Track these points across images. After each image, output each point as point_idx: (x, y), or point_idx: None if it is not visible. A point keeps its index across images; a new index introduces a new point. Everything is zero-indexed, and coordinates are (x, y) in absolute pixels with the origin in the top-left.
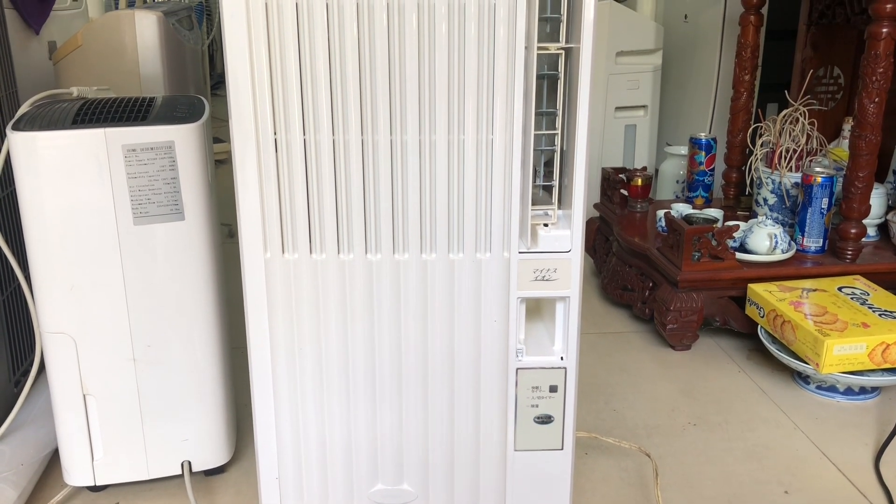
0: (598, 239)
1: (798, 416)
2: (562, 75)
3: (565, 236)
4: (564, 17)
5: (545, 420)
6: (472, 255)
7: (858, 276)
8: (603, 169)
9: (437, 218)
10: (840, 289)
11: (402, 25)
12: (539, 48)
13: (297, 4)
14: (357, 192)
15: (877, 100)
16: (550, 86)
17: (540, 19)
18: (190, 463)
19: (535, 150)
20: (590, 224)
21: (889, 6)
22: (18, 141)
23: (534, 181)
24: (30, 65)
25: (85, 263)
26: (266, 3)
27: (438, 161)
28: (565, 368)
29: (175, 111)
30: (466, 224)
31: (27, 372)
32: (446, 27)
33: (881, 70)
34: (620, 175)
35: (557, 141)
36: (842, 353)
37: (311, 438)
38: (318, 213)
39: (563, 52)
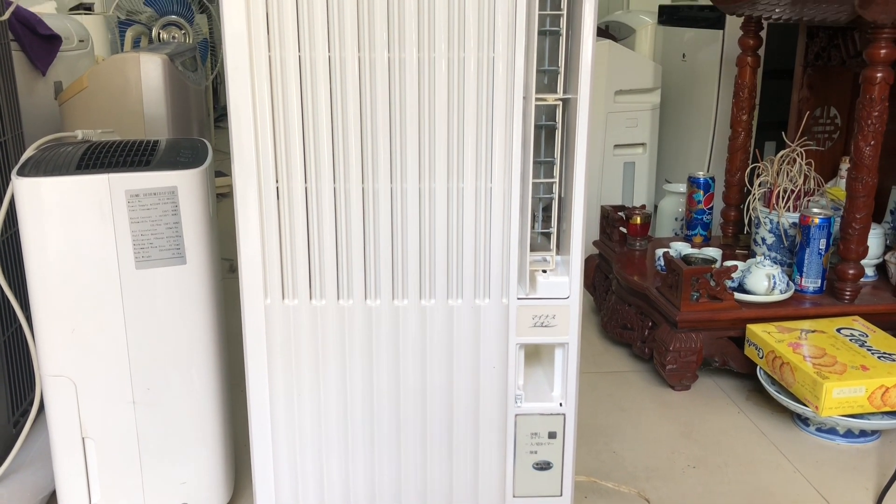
0: (598, 276)
1: (798, 458)
2: (559, 125)
3: (564, 283)
4: (562, 69)
5: (544, 466)
6: (471, 301)
7: (857, 317)
8: (602, 207)
9: (436, 264)
10: (839, 330)
11: (403, 78)
12: (537, 99)
13: (299, 58)
14: (357, 238)
15: (872, 143)
16: (548, 135)
17: (538, 71)
18: None
19: (533, 197)
20: (589, 261)
21: (883, 51)
22: (23, 186)
23: (532, 227)
24: (36, 105)
25: (86, 307)
26: (269, 56)
27: (438, 208)
28: (564, 415)
29: (178, 156)
30: (465, 270)
31: (26, 412)
32: (446, 80)
33: (876, 114)
34: (619, 213)
35: (555, 188)
36: (841, 396)
37: (310, 483)
38: (318, 260)
39: (560, 102)
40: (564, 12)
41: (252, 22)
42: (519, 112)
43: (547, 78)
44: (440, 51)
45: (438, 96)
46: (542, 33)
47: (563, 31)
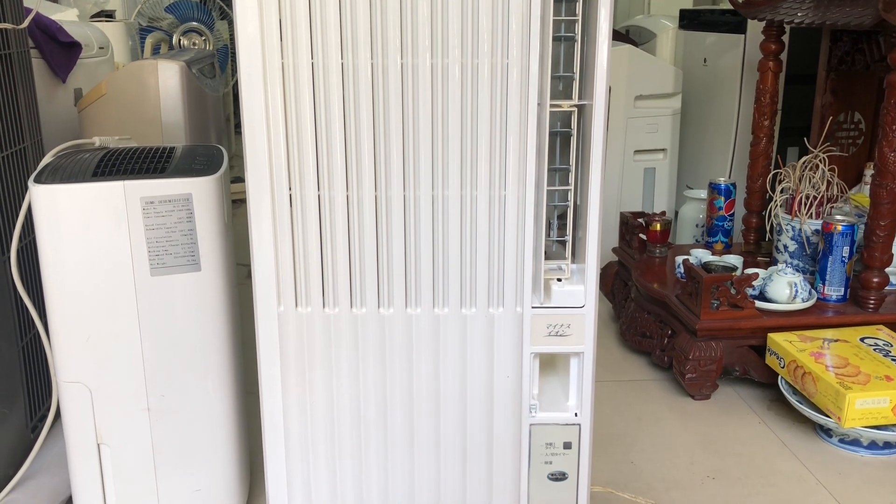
0: (617, 283)
1: (820, 470)
2: (574, 132)
3: (579, 291)
4: (577, 76)
5: (559, 477)
6: (485, 310)
7: (882, 327)
8: (621, 213)
9: (449, 273)
10: (862, 339)
11: (416, 84)
12: (552, 105)
13: (312, 64)
14: (370, 247)
15: None
16: (563, 142)
17: (553, 77)
18: None
19: (548, 205)
20: (608, 268)
21: None
22: (40, 193)
23: (547, 235)
24: (56, 112)
25: (102, 314)
26: (283, 64)
27: (451, 216)
28: (579, 425)
29: (194, 163)
30: (479, 279)
31: (44, 418)
32: (459, 86)
33: None
34: (639, 220)
35: (570, 196)
36: (864, 408)
37: (322, 491)
38: (331, 268)
39: (575, 109)
40: (579, 18)
41: (265, 29)
42: (533, 119)
43: (562, 84)
44: (453, 57)
45: (452, 103)
46: (556, 39)
47: (578, 37)
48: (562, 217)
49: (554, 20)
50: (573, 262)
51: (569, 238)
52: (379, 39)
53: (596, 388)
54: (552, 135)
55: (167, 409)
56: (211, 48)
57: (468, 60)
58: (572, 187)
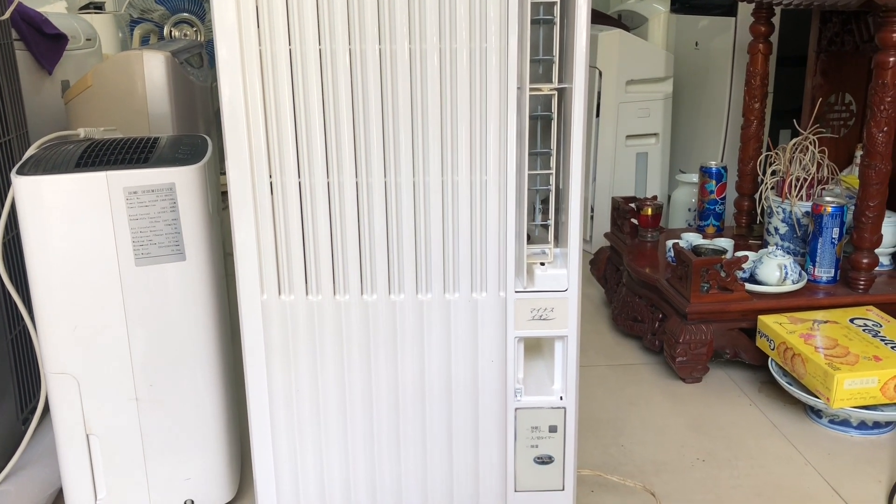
0: (609, 268)
1: (810, 451)
2: (555, 115)
3: (562, 275)
4: (557, 59)
5: (545, 461)
6: (468, 295)
7: (871, 307)
8: (613, 198)
9: (431, 258)
10: (852, 320)
11: (395, 70)
12: (532, 89)
13: (290, 51)
14: (352, 233)
15: (885, 129)
16: (544, 126)
17: (532, 61)
18: (193, 501)
19: (530, 189)
20: (600, 253)
21: None
22: (23, 185)
23: (531, 219)
24: (43, 104)
25: (88, 305)
26: (260, 51)
27: (432, 202)
28: (564, 408)
29: (177, 152)
30: (461, 264)
31: (35, 409)
32: (438, 71)
33: (889, 99)
34: (631, 204)
35: (552, 180)
36: (853, 388)
37: (310, 479)
38: (313, 255)
39: (555, 92)
40: (558, 1)
41: (242, 16)
42: (513, 103)
43: (542, 67)
44: (431, 42)
45: (431, 88)
46: (535, 22)
47: (557, 20)
48: (544, 202)
49: (532, 3)
50: (556, 246)
51: (551, 222)
52: (357, 26)
53: (587, 372)
54: (532, 119)
55: (155, 399)
56: (202, 39)
57: (446, 45)
58: (554, 171)
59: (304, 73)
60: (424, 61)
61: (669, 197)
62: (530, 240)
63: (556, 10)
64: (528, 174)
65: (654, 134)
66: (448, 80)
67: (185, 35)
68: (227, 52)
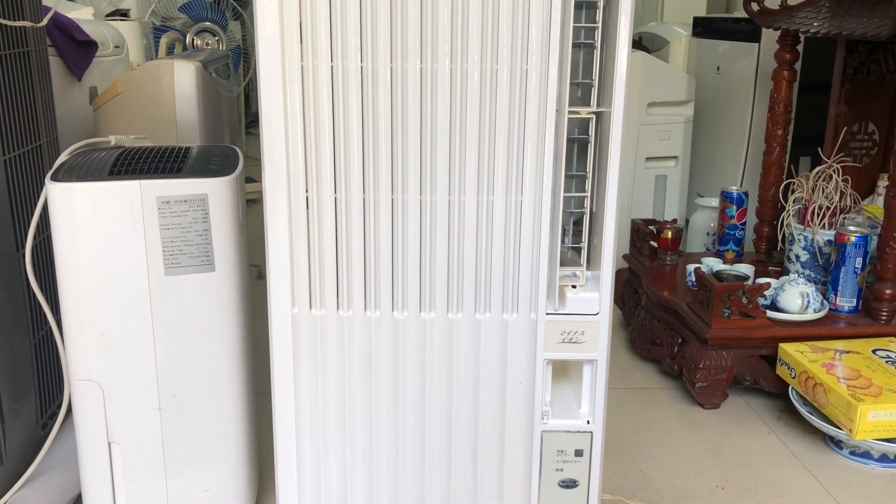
0: (627, 291)
1: (830, 482)
2: (592, 139)
3: (594, 298)
4: (596, 83)
5: (570, 484)
6: (499, 316)
7: (893, 339)
8: (633, 220)
9: (464, 277)
10: (874, 351)
11: (435, 89)
12: (570, 112)
13: (332, 68)
14: (385, 249)
15: None
16: (581, 148)
17: (571, 84)
18: None
19: (564, 211)
20: (619, 276)
21: None
22: (56, 191)
23: (563, 241)
24: (71, 110)
25: (115, 312)
26: (302, 66)
27: (467, 221)
28: (591, 433)
29: (209, 163)
30: (494, 284)
31: (55, 415)
32: (478, 91)
33: None
34: (650, 227)
35: (587, 203)
36: (876, 420)
37: (333, 493)
38: (346, 270)
39: (594, 116)
40: (599, 25)
41: (285, 31)
42: (552, 125)
43: (580, 91)
44: (473, 62)
45: (470, 108)
46: (576, 46)
47: (598, 44)
48: (577, 224)
49: (574, 27)
50: (588, 269)
51: (584, 245)
52: (399, 43)
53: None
54: (569, 141)
55: (178, 409)
56: (224, 48)
57: (487, 65)
58: (588, 194)
59: (345, 89)
60: (465, 81)
61: (687, 220)
62: (562, 262)
63: (598, 34)
64: (563, 196)
65: (674, 157)
66: (488, 100)
67: (208, 44)
68: (268, 66)
